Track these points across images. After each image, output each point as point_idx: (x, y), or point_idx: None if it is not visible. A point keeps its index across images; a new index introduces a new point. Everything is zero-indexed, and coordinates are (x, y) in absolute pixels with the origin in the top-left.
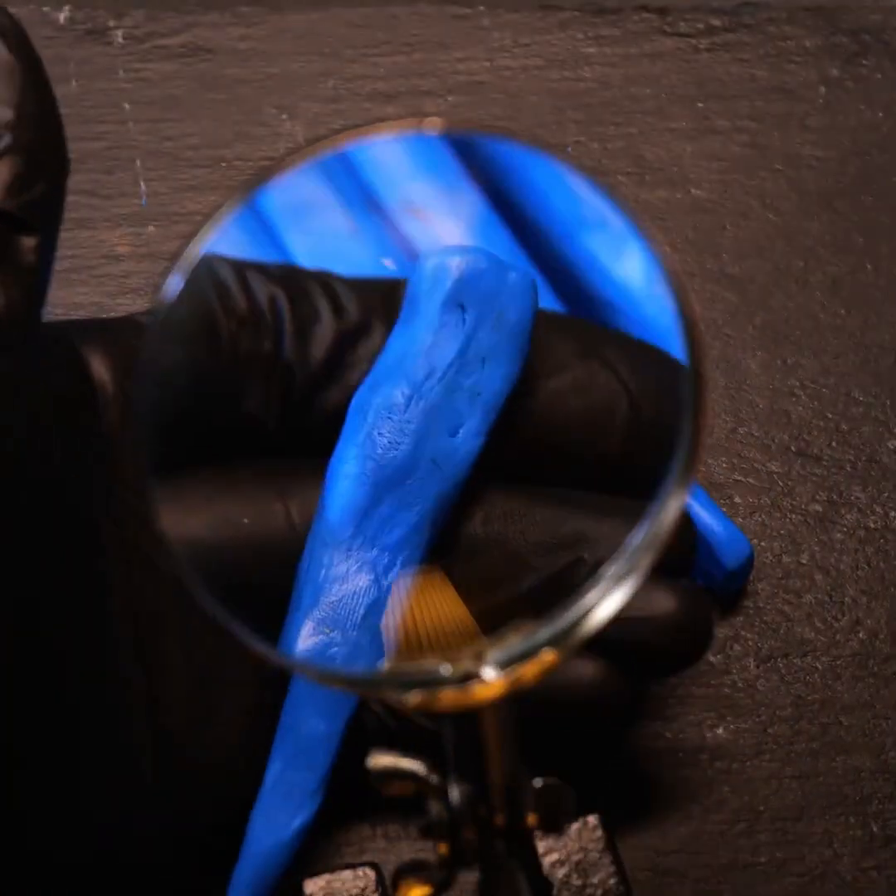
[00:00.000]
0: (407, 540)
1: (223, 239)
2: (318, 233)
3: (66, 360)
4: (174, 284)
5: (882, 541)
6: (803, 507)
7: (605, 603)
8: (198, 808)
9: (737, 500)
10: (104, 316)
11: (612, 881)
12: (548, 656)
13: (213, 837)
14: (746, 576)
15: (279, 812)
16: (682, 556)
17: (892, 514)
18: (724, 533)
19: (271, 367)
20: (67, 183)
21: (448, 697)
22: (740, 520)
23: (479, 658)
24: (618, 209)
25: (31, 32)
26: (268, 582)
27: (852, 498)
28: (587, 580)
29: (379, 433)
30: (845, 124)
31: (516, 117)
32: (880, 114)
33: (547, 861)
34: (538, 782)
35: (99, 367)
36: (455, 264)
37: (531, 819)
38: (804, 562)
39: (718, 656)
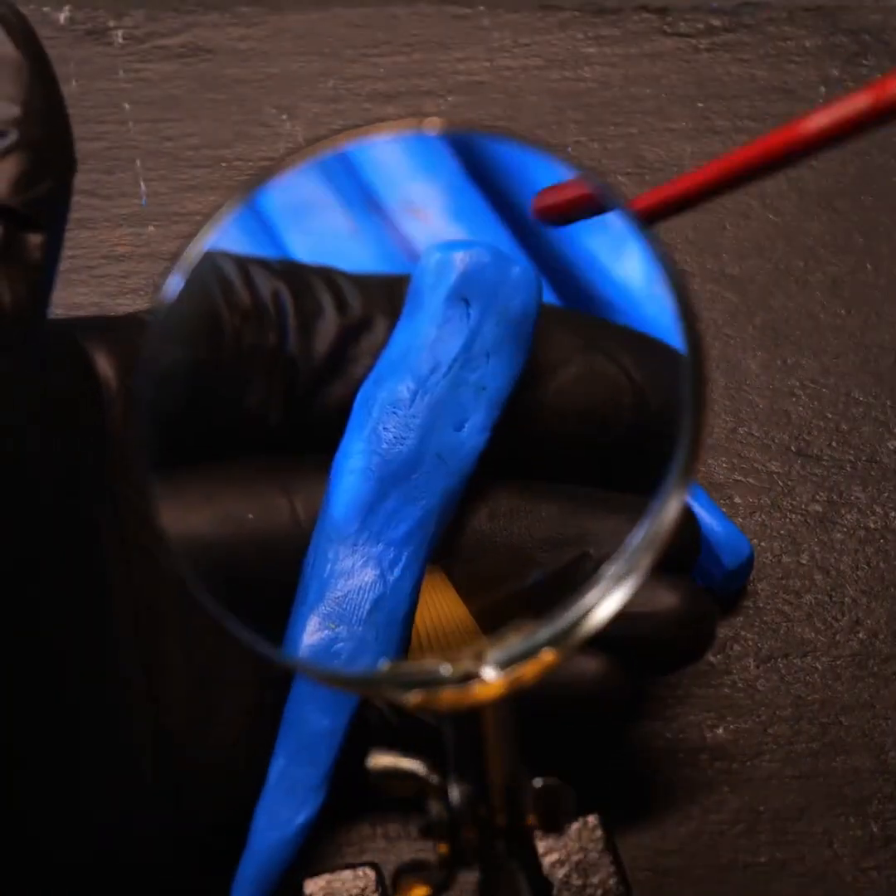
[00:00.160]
0: (412, 535)
1: (223, 239)
2: (318, 233)
3: (69, 357)
4: (174, 284)
5: (882, 541)
6: (803, 507)
7: (606, 603)
8: (198, 808)
9: (737, 500)
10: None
11: (612, 881)
12: (548, 656)
13: (213, 837)
14: (746, 576)
15: (283, 808)
16: (685, 552)
17: (892, 514)
18: (724, 533)
19: (275, 362)
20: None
21: (448, 697)
22: (740, 520)
23: (479, 658)
24: (618, 209)
25: None
26: (272, 578)
27: (852, 498)
28: (587, 580)
29: (384, 428)
30: None
31: (516, 117)
32: None
33: (547, 861)
34: (538, 782)
35: (102, 365)
36: (459, 258)
37: (531, 819)
38: (804, 562)
39: (718, 656)
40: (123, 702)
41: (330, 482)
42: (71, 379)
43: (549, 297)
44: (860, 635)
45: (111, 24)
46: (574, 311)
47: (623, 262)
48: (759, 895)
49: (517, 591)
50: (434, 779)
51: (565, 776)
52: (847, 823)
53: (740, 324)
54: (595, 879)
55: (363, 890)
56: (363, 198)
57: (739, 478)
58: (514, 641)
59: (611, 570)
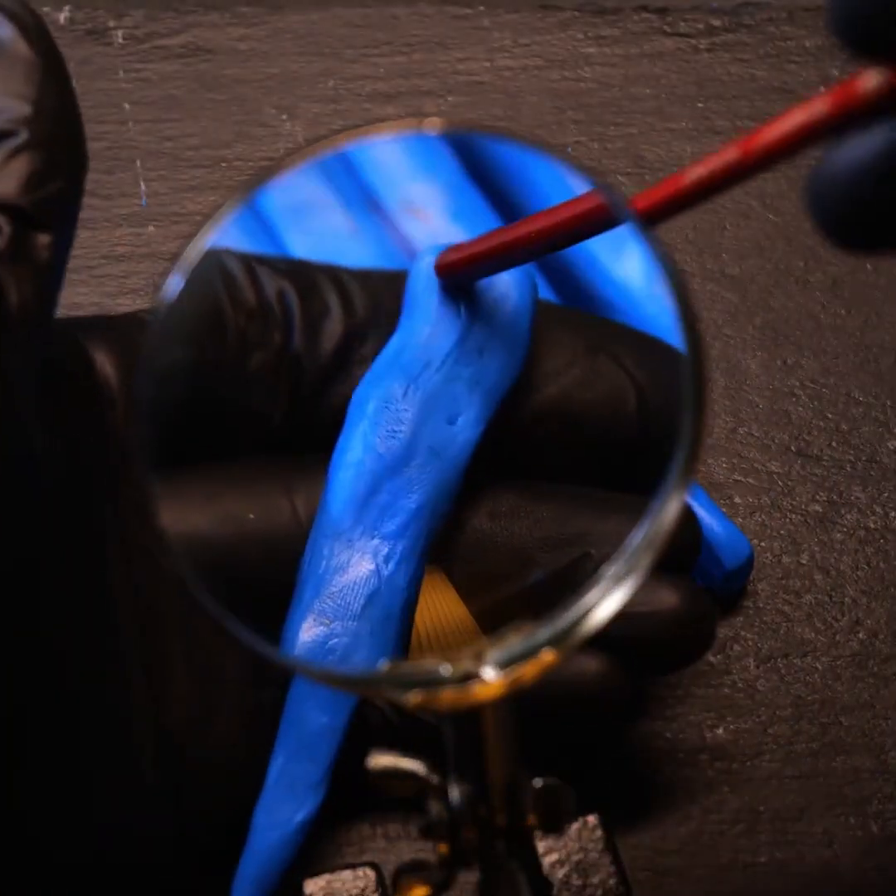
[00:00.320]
0: (406, 528)
1: (223, 239)
2: (318, 233)
3: (70, 357)
4: (174, 284)
5: (882, 541)
6: (803, 507)
7: (606, 603)
8: (198, 808)
9: (737, 500)
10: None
11: (612, 881)
12: (547, 656)
13: (213, 836)
14: (746, 576)
15: (282, 807)
16: (686, 552)
17: (892, 514)
18: (724, 533)
19: (280, 362)
20: (84, 182)
21: (448, 697)
22: (740, 520)
23: (479, 658)
24: (618, 209)
25: None
26: (273, 577)
27: (852, 498)
28: (587, 580)
29: (377, 423)
30: None
31: (516, 117)
32: None
33: (547, 861)
34: (538, 782)
35: (103, 365)
36: None
37: (531, 819)
38: (804, 562)
39: (718, 656)
40: (124, 701)
41: (328, 479)
42: (72, 378)
43: (549, 296)
44: (860, 635)
45: (111, 24)
46: (575, 310)
47: (623, 262)
48: (759, 895)
49: (517, 592)
50: (434, 779)
51: (565, 776)
52: (847, 823)
53: (740, 324)
54: (595, 879)
55: (363, 890)
56: (363, 198)
57: (739, 478)
58: (514, 641)
59: (611, 570)
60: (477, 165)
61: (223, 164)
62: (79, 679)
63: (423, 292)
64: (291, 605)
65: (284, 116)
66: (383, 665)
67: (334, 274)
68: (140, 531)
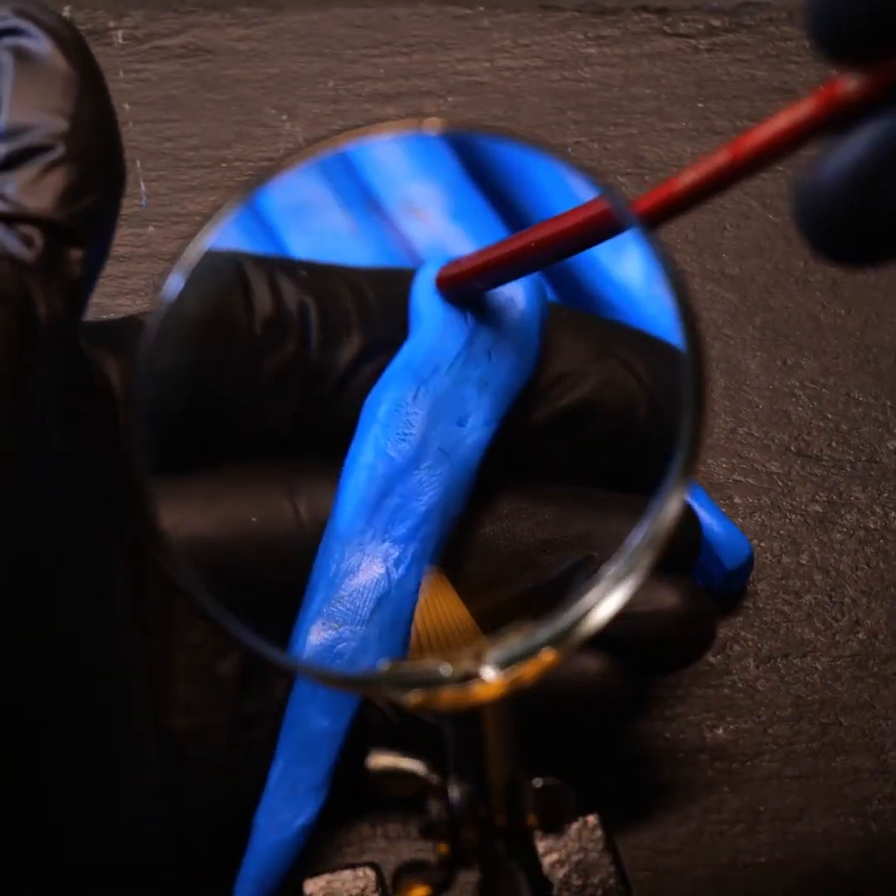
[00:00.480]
0: (416, 531)
1: (223, 239)
2: (318, 233)
3: (77, 362)
4: (174, 284)
5: (882, 541)
6: (803, 507)
7: (605, 603)
8: (198, 808)
9: (737, 500)
10: (106, 316)
11: (612, 881)
12: (547, 656)
13: (213, 837)
14: (746, 576)
15: (284, 810)
16: (686, 552)
17: (892, 514)
18: (724, 533)
19: (293, 368)
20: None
21: (448, 697)
22: (740, 520)
23: (479, 658)
24: (618, 210)
25: None
26: (275, 579)
27: (852, 498)
28: (587, 580)
29: (388, 426)
30: None
31: (516, 117)
32: None
33: (547, 861)
34: (538, 782)
35: (107, 369)
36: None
37: (531, 819)
38: (804, 562)
39: (718, 656)
40: (125, 702)
41: (340, 484)
42: (76, 384)
43: (549, 297)
44: (860, 635)
45: (111, 24)
46: (585, 314)
47: (623, 262)
48: (759, 895)
49: (519, 592)
50: (434, 779)
51: (565, 776)
52: (847, 823)
53: (740, 324)
54: (595, 879)
55: (363, 890)
56: (363, 198)
57: (739, 478)
58: (514, 641)
59: (611, 570)
60: (477, 165)
61: (223, 164)
62: (82, 679)
63: (426, 301)
64: (301, 609)
65: (284, 116)
66: (383, 665)
67: (353, 280)
68: (142, 532)
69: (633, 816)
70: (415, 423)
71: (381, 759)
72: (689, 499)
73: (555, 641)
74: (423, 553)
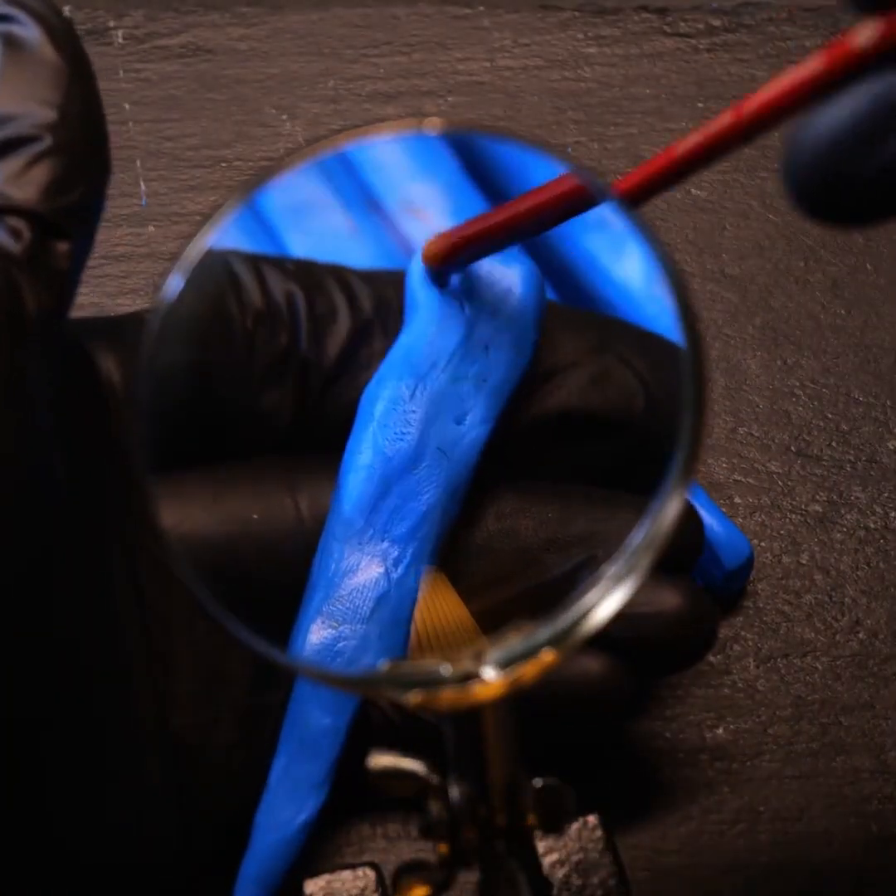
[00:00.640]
0: (416, 530)
1: (223, 239)
2: (318, 233)
3: (75, 360)
4: (174, 284)
5: (882, 541)
6: (803, 507)
7: (606, 603)
8: (202, 808)
9: (737, 500)
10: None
11: (612, 881)
12: (547, 656)
13: (216, 837)
14: (746, 576)
15: (285, 807)
16: (688, 552)
17: (892, 514)
18: (724, 533)
19: (287, 363)
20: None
21: (448, 697)
22: (740, 520)
23: (479, 658)
24: (618, 209)
25: None
26: (275, 577)
27: (852, 498)
28: (588, 580)
29: (385, 425)
30: None
31: (516, 117)
32: None
33: (547, 861)
34: (538, 782)
35: (107, 367)
36: None
37: (531, 819)
38: (804, 562)
39: (718, 656)
40: (129, 703)
41: (339, 482)
42: (76, 381)
43: (549, 296)
44: (860, 635)
45: (111, 24)
46: (583, 310)
47: (623, 262)
48: (759, 895)
49: (522, 592)
50: (434, 779)
51: (565, 776)
52: (847, 823)
53: (740, 324)
54: (595, 879)
55: (363, 890)
56: (363, 198)
57: (739, 478)
58: (514, 641)
59: (611, 570)
60: (477, 165)
61: (223, 164)
62: (82, 679)
63: (422, 290)
64: (300, 608)
65: (284, 116)
66: (383, 665)
67: (341, 275)
68: (143, 532)
69: (633, 816)
70: (412, 421)
71: (381, 759)
72: (690, 499)
73: (555, 641)
74: (422, 552)
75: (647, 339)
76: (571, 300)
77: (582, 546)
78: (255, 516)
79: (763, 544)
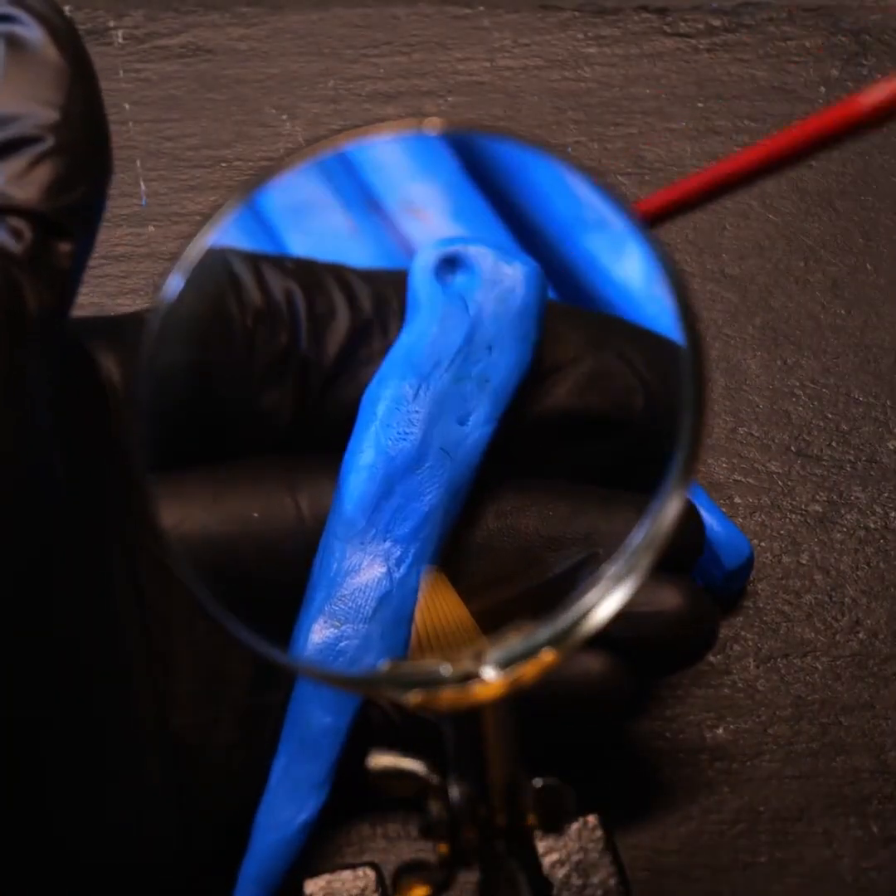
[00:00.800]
0: (418, 530)
1: (223, 239)
2: (318, 233)
3: (75, 359)
4: (174, 284)
5: (882, 541)
6: (803, 507)
7: (606, 603)
8: (202, 808)
9: (737, 500)
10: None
11: (612, 881)
12: (547, 656)
13: (217, 837)
14: (746, 576)
15: (285, 807)
16: (688, 552)
17: (892, 514)
18: (724, 533)
19: (287, 361)
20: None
21: (448, 697)
22: (740, 520)
23: (479, 658)
24: (618, 209)
25: None
26: (276, 577)
27: (852, 498)
28: (588, 579)
29: (388, 425)
30: None
31: (516, 117)
32: None
33: (547, 861)
34: (538, 782)
35: (108, 367)
36: (452, 254)
37: (531, 819)
38: (804, 562)
39: (718, 656)
40: (129, 703)
41: (340, 481)
42: (77, 381)
43: (549, 296)
44: (860, 635)
45: (111, 24)
46: (583, 308)
47: (623, 262)
48: (759, 895)
49: (522, 591)
50: (434, 779)
51: (565, 776)
52: (847, 823)
53: (740, 324)
54: (595, 879)
55: (363, 890)
56: (363, 198)
57: (739, 478)
58: (514, 641)
59: (611, 569)
60: (477, 165)
61: (223, 164)
62: (82, 679)
63: (426, 290)
64: (302, 607)
65: (284, 116)
66: (384, 665)
67: (340, 274)
68: (143, 532)
69: (633, 816)
70: (416, 421)
71: (382, 759)
72: (691, 499)
73: (555, 641)
74: (424, 552)
75: (648, 338)
76: (571, 300)
77: (582, 545)
78: (256, 516)
79: (763, 544)
